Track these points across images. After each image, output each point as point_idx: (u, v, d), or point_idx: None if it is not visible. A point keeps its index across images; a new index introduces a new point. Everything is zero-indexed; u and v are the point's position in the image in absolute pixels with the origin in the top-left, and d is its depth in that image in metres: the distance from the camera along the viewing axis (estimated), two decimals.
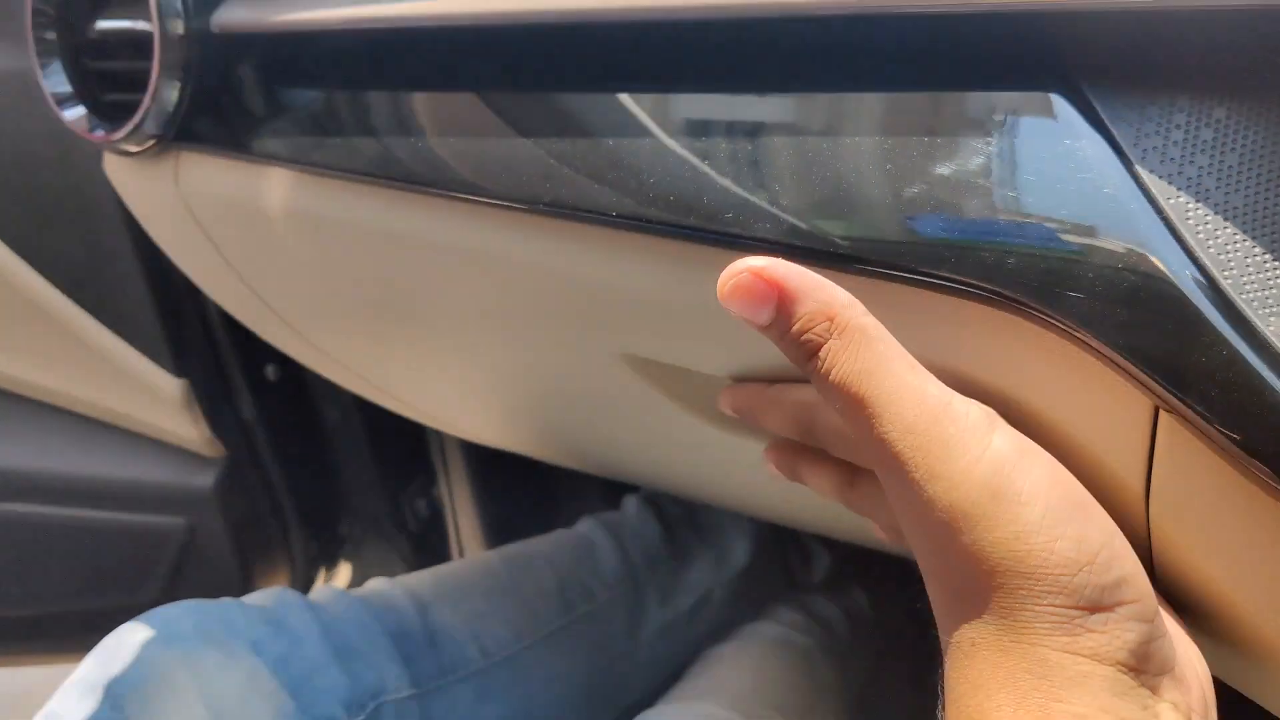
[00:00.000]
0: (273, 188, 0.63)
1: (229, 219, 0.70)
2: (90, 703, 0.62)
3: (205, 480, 1.13)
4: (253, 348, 1.10)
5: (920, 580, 0.36)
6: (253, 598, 0.73)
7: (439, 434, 1.16)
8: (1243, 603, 0.37)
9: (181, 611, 0.68)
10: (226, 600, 0.71)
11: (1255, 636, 0.38)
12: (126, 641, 0.66)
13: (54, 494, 1.15)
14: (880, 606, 1.08)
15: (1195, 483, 0.35)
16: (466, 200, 0.50)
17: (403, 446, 1.22)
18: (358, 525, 1.26)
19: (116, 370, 1.08)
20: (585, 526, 0.97)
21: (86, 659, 0.66)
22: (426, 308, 0.65)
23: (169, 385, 1.08)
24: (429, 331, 0.68)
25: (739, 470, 0.64)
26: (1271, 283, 0.32)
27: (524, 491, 1.15)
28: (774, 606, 0.99)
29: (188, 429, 1.11)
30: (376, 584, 0.81)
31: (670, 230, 0.43)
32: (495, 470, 1.15)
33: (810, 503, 0.56)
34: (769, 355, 0.45)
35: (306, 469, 1.19)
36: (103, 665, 0.64)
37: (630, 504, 1.02)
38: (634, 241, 0.45)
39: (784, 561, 1.07)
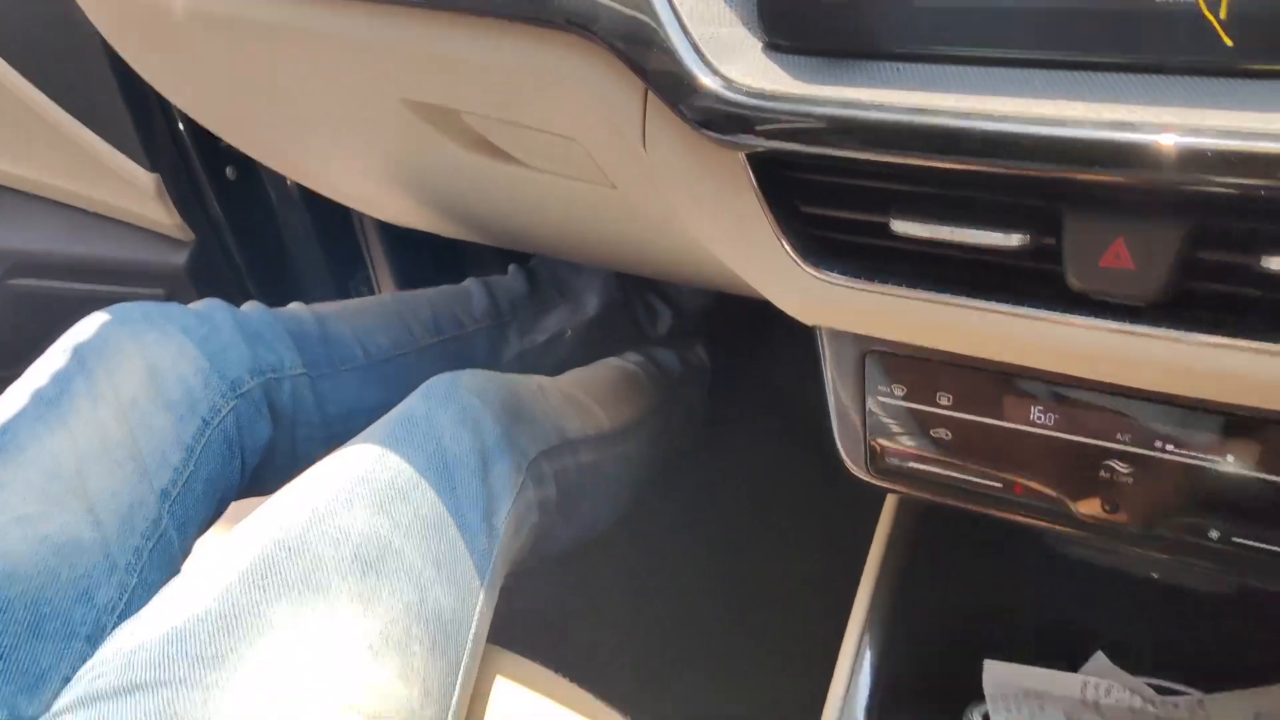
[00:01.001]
0: None
1: (151, 26, 0.94)
2: (60, 360, 0.89)
3: (179, 259, 1.41)
4: (215, 150, 1.36)
5: (756, 335, 0.59)
6: (190, 305, 1.00)
7: (364, 224, 1.42)
8: (708, 229, 0.62)
9: (133, 306, 0.95)
10: (168, 303, 0.98)
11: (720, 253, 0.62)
12: (90, 322, 0.93)
13: (54, 270, 1.43)
14: (717, 358, 1.34)
15: (667, 134, 0.59)
16: None
17: (346, 241, 1.48)
18: None
19: (101, 166, 1.34)
20: (467, 281, 1.23)
21: (62, 336, 0.93)
22: (303, 95, 0.89)
23: (144, 179, 1.34)
24: (315, 117, 0.92)
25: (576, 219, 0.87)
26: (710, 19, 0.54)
27: (435, 270, 1.40)
28: (620, 350, 1.25)
29: (162, 216, 1.38)
30: (291, 306, 1.08)
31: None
32: (409, 249, 1.41)
33: (646, 255, 0.80)
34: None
35: (264, 254, 1.46)
36: (72, 337, 0.92)
37: (510, 269, 1.28)
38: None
39: (633, 316, 1.33)
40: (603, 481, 1.03)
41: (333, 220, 1.43)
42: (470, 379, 0.88)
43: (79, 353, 0.90)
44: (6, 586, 0.75)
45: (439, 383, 0.87)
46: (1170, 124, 0.43)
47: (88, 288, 1.43)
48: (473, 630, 0.77)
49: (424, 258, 1.42)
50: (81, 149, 1.33)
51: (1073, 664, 0.77)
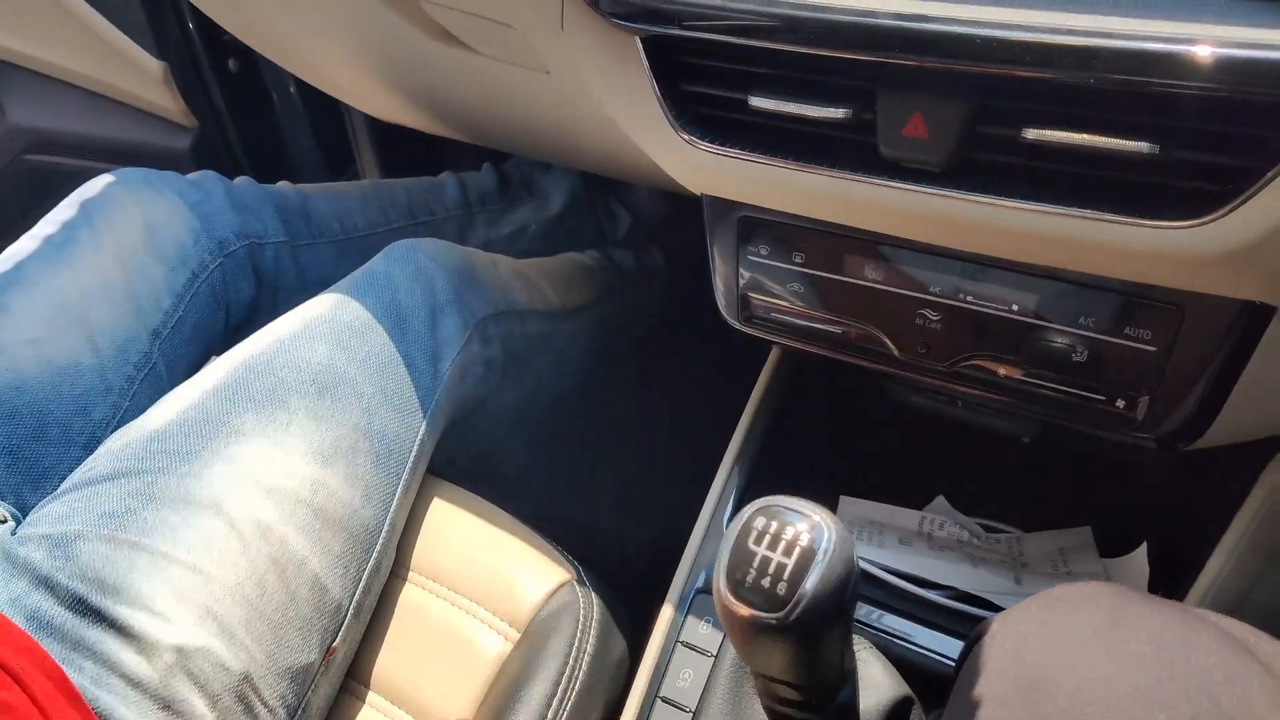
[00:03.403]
0: None
1: None
2: (69, 213, 1.02)
3: (183, 143, 1.53)
4: (219, 42, 1.47)
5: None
6: (188, 175, 1.12)
7: (353, 119, 1.53)
8: (616, 106, 0.73)
9: (135, 170, 1.07)
10: (167, 171, 1.10)
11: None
12: (97, 182, 1.05)
13: (67, 149, 1.55)
14: (673, 262, 1.46)
15: (580, 19, 0.70)
16: None
17: (337, 135, 1.59)
18: None
19: (114, 53, 1.46)
20: (442, 175, 1.34)
21: (72, 194, 1.05)
22: None
23: (154, 66, 1.46)
24: (300, 4, 1.03)
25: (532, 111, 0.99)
26: None
27: (416, 166, 1.51)
28: (580, 248, 1.37)
29: (168, 102, 1.50)
30: (279, 184, 1.20)
31: None
32: (394, 145, 1.52)
33: (583, 143, 0.91)
34: None
35: (261, 142, 1.58)
36: (80, 194, 1.04)
37: (484, 166, 1.39)
38: None
39: (595, 218, 1.45)
40: (549, 354, 1.15)
41: (325, 115, 1.54)
42: (428, 245, 1.00)
43: (85, 207, 1.02)
44: (15, 397, 0.88)
45: (400, 245, 0.99)
46: (950, 17, 0.54)
47: (99, 165, 1.54)
48: (413, 452, 0.89)
49: (406, 154, 1.53)
50: (97, 35, 1.45)
51: (918, 505, 0.89)
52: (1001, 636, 0.55)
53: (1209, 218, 0.53)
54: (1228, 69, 0.48)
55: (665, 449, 1.20)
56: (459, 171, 1.39)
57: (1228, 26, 0.48)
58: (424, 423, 0.91)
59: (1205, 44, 0.48)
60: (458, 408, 0.99)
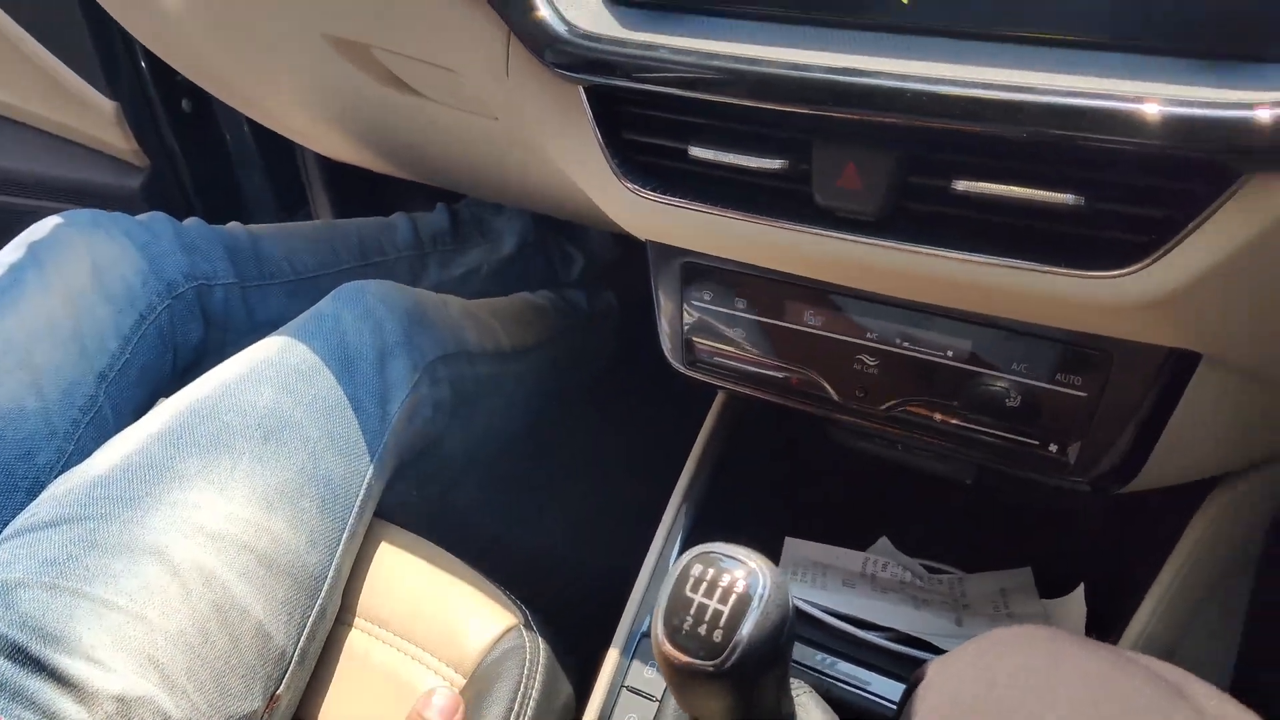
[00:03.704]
0: None
1: None
2: (16, 254, 1.01)
3: (134, 183, 1.52)
4: (172, 83, 1.47)
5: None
6: (137, 216, 1.11)
7: (306, 160, 1.53)
8: (562, 152, 0.74)
9: (84, 211, 1.07)
10: (116, 212, 1.10)
11: None
12: (45, 223, 1.04)
13: (18, 188, 1.54)
14: (625, 303, 1.47)
15: (525, 68, 0.71)
16: None
17: (289, 176, 1.59)
18: None
19: (66, 93, 1.45)
20: (394, 215, 1.35)
21: (20, 235, 1.04)
22: (241, 29, 1.00)
23: (105, 106, 1.45)
24: (253, 50, 1.04)
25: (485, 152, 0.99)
26: None
27: (369, 206, 1.52)
28: (532, 288, 1.37)
29: (120, 142, 1.49)
30: (229, 224, 1.19)
31: None
32: (346, 186, 1.53)
33: (531, 185, 0.92)
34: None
35: (213, 182, 1.57)
36: (28, 235, 1.03)
37: (437, 207, 1.40)
38: None
39: (547, 259, 1.45)
40: (500, 394, 1.15)
41: (278, 155, 1.54)
42: (378, 287, 1.00)
43: (33, 248, 1.02)
44: None
45: (349, 287, 0.99)
46: (881, 71, 0.56)
47: (49, 205, 1.54)
48: (360, 496, 0.89)
49: (360, 193, 1.54)
50: (49, 76, 1.44)
51: (862, 546, 0.90)
52: (939, 680, 0.55)
53: (1133, 268, 0.54)
54: (1148, 125, 0.50)
55: (616, 489, 1.21)
56: (412, 211, 1.40)
57: (1148, 83, 0.50)
58: (371, 466, 0.90)
59: (1125, 100, 0.50)
60: (406, 450, 0.99)
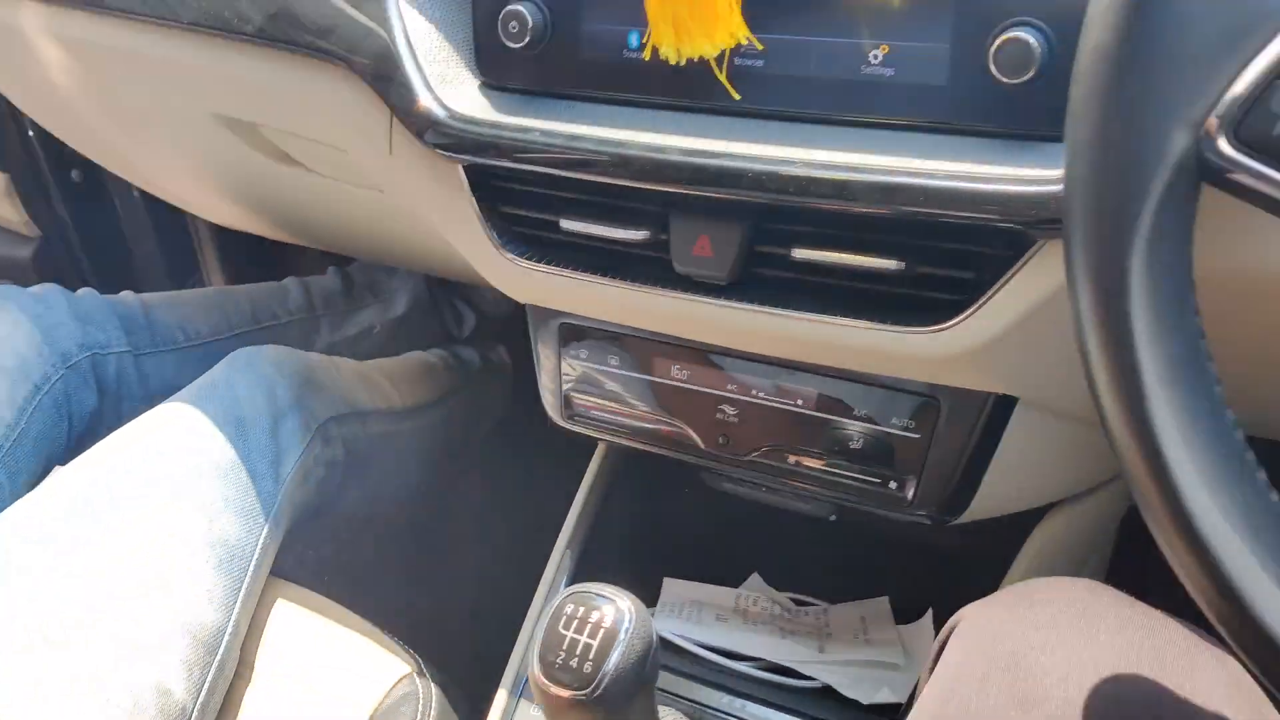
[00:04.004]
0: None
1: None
2: None
3: (26, 252, 1.53)
4: (61, 154, 1.49)
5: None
6: (29, 288, 1.13)
7: (198, 227, 1.56)
8: (444, 223, 0.79)
9: None
10: (7, 285, 1.12)
11: None
12: None
13: None
14: (518, 359, 1.52)
15: (407, 147, 0.76)
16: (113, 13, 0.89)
17: (181, 243, 1.62)
18: None
19: None
20: (286, 279, 1.38)
21: None
22: (131, 107, 1.03)
23: None
24: (143, 127, 1.07)
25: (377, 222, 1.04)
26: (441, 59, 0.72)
27: (262, 271, 1.55)
28: (425, 347, 1.42)
29: (9, 214, 1.50)
30: (121, 294, 1.22)
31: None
32: (239, 252, 1.56)
33: (416, 251, 0.97)
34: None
35: (105, 252, 1.59)
36: None
37: (329, 270, 1.44)
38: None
39: (440, 318, 1.50)
40: (394, 452, 1.19)
41: (169, 222, 1.56)
42: (270, 351, 1.04)
43: None
44: None
45: (241, 353, 1.03)
46: (728, 153, 0.62)
47: None
48: (256, 557, 0.92)
49: (252, 258, 1.57)
50: None
51: (736, 583, 0.96)
52: (978, 623, 0.58)
53: (949, 324, 0.61)
54: (955, 199, 0.57)
55: (508, 539, 1.25)
56: (305, 274, 1.43)
57: (955, 162, 0.57)
58: (266, 526, 0.94)
59: (937, 178, 0.57)
60: (302, 509, 1.02)
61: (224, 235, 1.51)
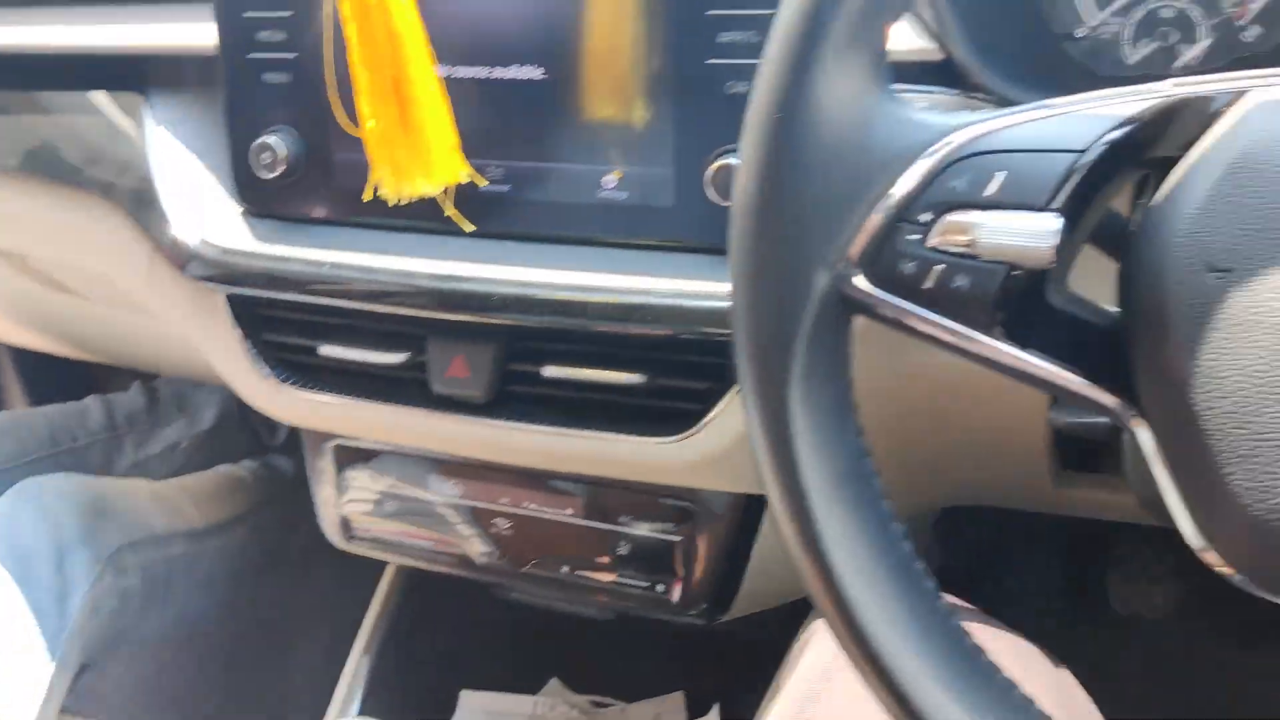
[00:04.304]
0: None
1: None
2: None
3: None
4: None
5: None
6: None
7: None
8: (209, 347, 0.80)
9: None
10: None
11: None
12: None
13: None
14: None
15: (170, 275, 0.76)
16: None
17: None
18: None
19: None
20: (87, 399, 1.35)
21: None
22: None
23: None
24: None
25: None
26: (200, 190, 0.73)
27: (65, 391, 1.51)
28: (237, 458, 1.39)
29: None
30: None
31: None
32: (40, 372, 1.51)
33: (197, 369, 0.96)
34: None
35: None
36: None
37: (133, 385, 1.41)
38: None
39: (250, 428, 1.48)
40: (199, 573, 1.17)
41: None
42: (55, 482, 1.01)
43: None
44: None
45: (27, 484, 1.00)
46: (476, 277, 0.64)
47: None
48: (43, 695, 0.89)
49: (54, 377, 1.52)
50: None
51: (536, 689, 0.97)
52: None
53: (690, 432, 0.64)
54: (682, 315, 0.60)
55: (324, 655, 1.23)
56: (110, 390, 1.40)
57: (684, 280, 0.61)
58: (53, 664, 0.91)
59: (667, 296, 0.60)
60: (96, 642, 0.99)
61: (23, 355, 1.46)
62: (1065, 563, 1.07)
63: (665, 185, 0.62)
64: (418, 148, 0.56)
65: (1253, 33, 0.57)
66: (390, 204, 0.61)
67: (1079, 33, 0.60)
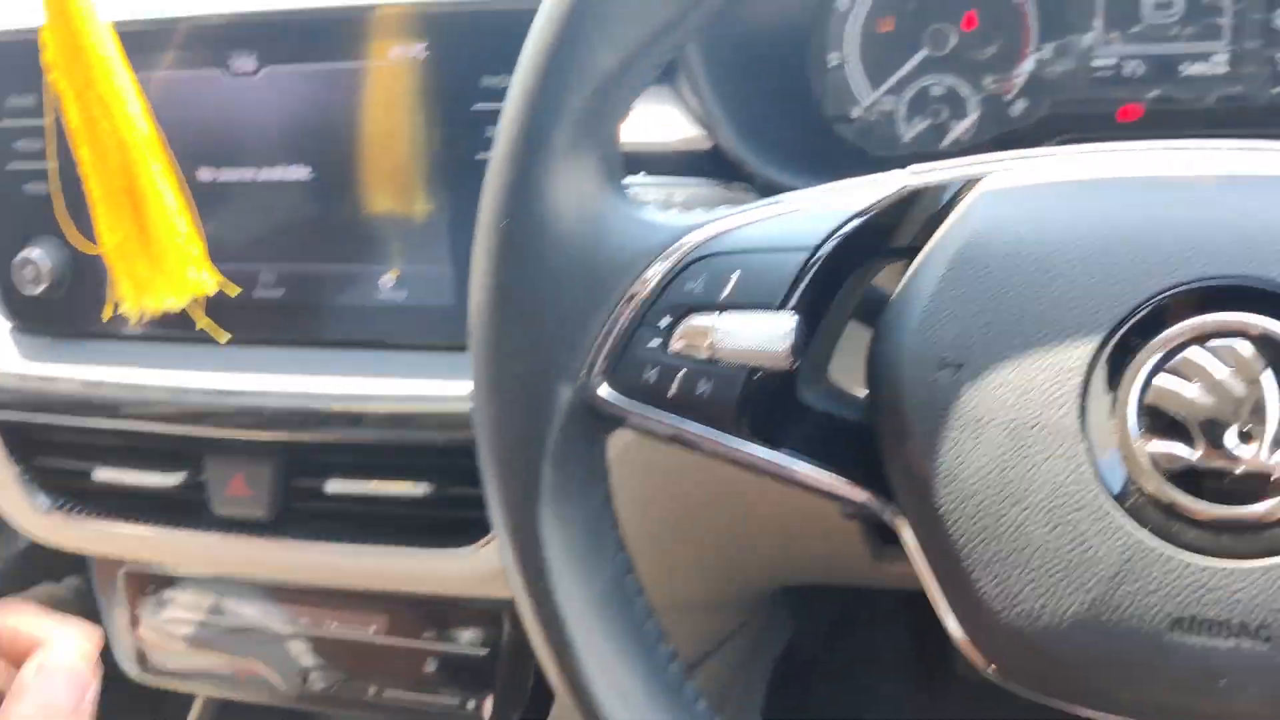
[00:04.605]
0: None
1: None
2: None
3: None
4: None
5: None
6: None
7: None
8: None
9: None
10: None
11: None
12: None
13: None
14: None
15: None
16: None
17: None
18: None
19: None
20: None
21: None
22: None
23: None
24: None
25: None
26: None
27: None
28: (61, 575, 1.31)
29: None
30: None
31: None
32: None
33: None
34: None
35: None
36: None
37: None
38: None
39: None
40: None
41: None
42: None
43: None
44: None
45: None
46: (239, 390, 0.61)
47: None
48: None
49: None
50: None
51: None
52: None
53: (481, 542, 0.61)
54: (465, 421, 0.57)
55: None
56: None
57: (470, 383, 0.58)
58: None
59: (449, 401, 0.58)
60: None
61: None
62: (911, 629, 1.06)
63: (444, 283, 0.60)
64: (159, 260, 0.52)
65: (1019, 106, 0.58)
66: (132, 322, 0.57)
67: (854, 113, 0.59)
